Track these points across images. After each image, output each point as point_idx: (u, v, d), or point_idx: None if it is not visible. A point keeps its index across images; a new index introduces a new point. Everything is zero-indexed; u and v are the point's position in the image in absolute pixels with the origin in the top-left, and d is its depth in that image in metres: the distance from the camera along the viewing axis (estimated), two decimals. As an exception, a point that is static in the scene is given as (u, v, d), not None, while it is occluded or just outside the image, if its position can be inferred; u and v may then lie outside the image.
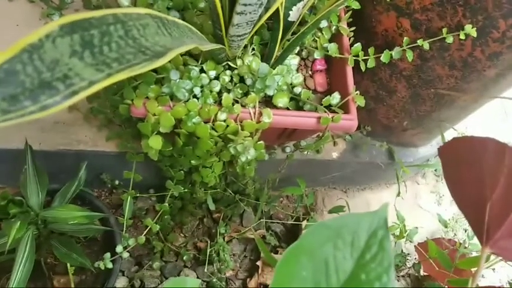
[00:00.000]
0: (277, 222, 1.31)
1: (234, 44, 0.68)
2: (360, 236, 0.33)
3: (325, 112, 0.76)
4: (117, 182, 1.15)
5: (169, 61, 0.70)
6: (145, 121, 0.71)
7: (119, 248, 0.89)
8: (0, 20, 1.00)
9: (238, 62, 0.76)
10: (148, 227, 0.98)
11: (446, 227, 1.27)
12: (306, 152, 1.09)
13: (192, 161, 0.84)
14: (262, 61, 0.75)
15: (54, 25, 0.32)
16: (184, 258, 1.18)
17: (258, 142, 0.77)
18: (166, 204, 0.96)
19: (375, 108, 1.02)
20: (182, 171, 0.92)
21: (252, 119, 0.73)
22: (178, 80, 0.63)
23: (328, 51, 0.82)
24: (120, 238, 0.92)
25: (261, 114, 0.73)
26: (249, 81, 0.72)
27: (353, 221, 0.34)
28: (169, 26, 0.48)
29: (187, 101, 0.69)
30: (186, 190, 1.00)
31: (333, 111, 0.77)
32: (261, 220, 1.31)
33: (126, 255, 0.91)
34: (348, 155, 1.10)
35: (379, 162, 1.13)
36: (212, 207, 1.02)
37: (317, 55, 0.83)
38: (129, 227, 1.21)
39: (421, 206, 1.40)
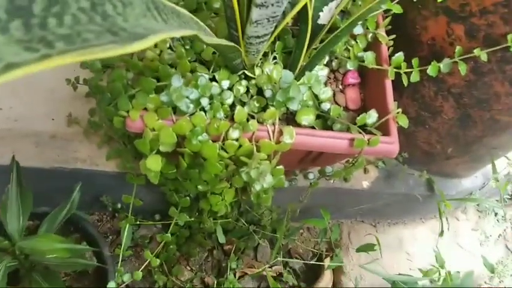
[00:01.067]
0: (297, 258, 1.16)
1: (252, 48, 0.57)
2: None
3: (360, 133, 0.63)
4: (119, 205, 1.03)
5: (173, 66, 0.59)
6: (143, 137, 0.59)
7: (111, 284, 0.76)
8: None
9: (257, 70, 0.65)
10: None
11: (493, 272, 1.09)
12: (332, 180, 0.95)
13: (199, 187, 0.71)
14: (284, 71, 0.63)
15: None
16: (190, 295, 1.04)
17: (277, 167, 0.64)
18: (169, 234, 0.83)
19: (415, 131, 0.87)
20: (188, 198, 0.80)
21: (270, 139, 0.60)
22: (181, 87, 0.51)
23: (363, 61, 0.69)
24: (114, 274, 0.79)
25: (281, 133, 0.60)
26: (268, 94, 0.60)
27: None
28: (166, 12, 0.37)
29: (192, 114, 0.58)
30: (192, 219, 0.87)
31: (369, 133, 0.64)
32: (278, 255, 1.17)
33: (119, 293, 0.78)
34: (381, 184, 0.96)
35: (416, 194, 0.98)
36: (222, 239, 0.89)
37: (350, 66, 0.71)
38: (130, 256, 1.09)
39: (461, 246, 1.22)
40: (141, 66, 0.59)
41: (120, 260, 0.82)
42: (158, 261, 0.83)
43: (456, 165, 0.95)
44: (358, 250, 0.99)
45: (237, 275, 1.09)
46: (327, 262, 1.09)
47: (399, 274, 1.05)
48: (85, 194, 1.00)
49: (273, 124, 0.60)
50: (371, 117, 0.65)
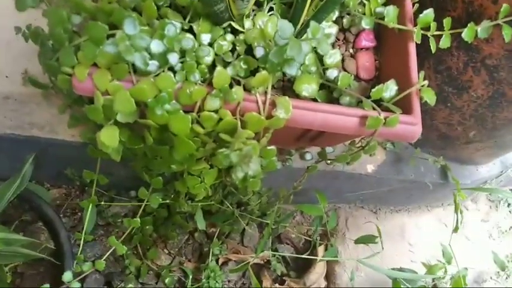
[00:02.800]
0: (287, 244, 1.05)
1: (240, -10, 0.42)
2: None
3: (374, 109, 0.49)
4: (87, 181, 0.90)
5: (132, 8, 0.44)
6: (94, 103, 0.45)
7: (66, 276, 0.64)
8: None
9: (247, 23, 0.50)
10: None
11: (503, 270, 0.99)
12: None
13: (172, 166, 0.58)
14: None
15: None
16: (166, 281, 0.93)
17: (268, 147, 0.51)
18: (138, 219, 0.71)
19: (433, 110, 0.74)
20: (161, 178, 0.67)
21: (259, 112, 0.47)
22: (135, 35, 0.36)
23: (382, 18, 0.55)
24: (71, 262, 0.67)
25: (274, 105, 0.47)
26: (259, 52, 0.46)
27: None
28: None
29: (158, 75, 0.44)
30: (167, 201, 0.75)
31: (386, 109, 0.51)
32: (267, 243, 1.06)
33: (77, 285, 0.66)
34: (388, 169, 0.83)
35: (427, 182, 0.86)
36: (202, 225, 0.77)
37: (365, 24, 0.56)
38: (100, 236, 0.97)
39: (468, 238, 1.12)
40: (92, 8, 0.44)
41: (81, 246, 0.70)
42: (125, 248, 0.71)
43: (476, 150, 0.82)
44: (357, 242, 0.87)
45: (220, 261, 0.98)
46: (320, 251, 0.98)
47: (400, 268, 0.94)
48: (48, 165, 0.87)
49: (264, 93, 0.47)
50: (389, 89, 0.52)
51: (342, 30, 0.60)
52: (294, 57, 0.40)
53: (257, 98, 0.46)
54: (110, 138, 0.47)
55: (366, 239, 0.85)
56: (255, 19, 0.51)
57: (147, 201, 0.72)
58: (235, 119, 0.46)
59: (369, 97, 0.51)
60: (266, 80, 0.45)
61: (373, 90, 0.50)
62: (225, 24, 0.50)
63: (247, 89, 0.47)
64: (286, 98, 0.46)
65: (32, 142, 0.75)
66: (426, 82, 0.51)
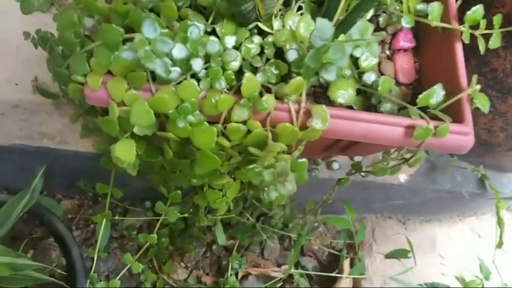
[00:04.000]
0: (310, 257, 1.00)
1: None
2: None
3: (422, 118, 0.44)
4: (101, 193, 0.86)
5: (149, 9, 0.40)
6: (109, 114, 0.41)
7: (79, 298, 0.60)
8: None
9: (276, 23, 0.45)
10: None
11: (487, 279, 0.92)
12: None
13: (193, 180, 0.53)
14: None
15: None
16: (184, 297, 0.89)
17: (300, 160, 0.46)
18: (155, 235, 0.66)
19: (474, 115, 0.68)
20: (179, 191, 0.62)
21: (292, 122, 0.41)
22: (156, 39, 0.32)
23: (426, 15, 0.49)
24: (84, 282, 0.63)
25: (309, 114, 0.41)
26: (292, 56, 0.40)
27: None
28: None
29: (179, 82, 0.39)
30: (186, 215, 0.70)
31: (433, 117, 0.45)
32: (288, 252, 1.01)
33: (90, 307, 0.61)
34: (422, 179, 0.77)
35: (463, 192, 0.79)
36: (222, 241, 0.72)
37: (405, 23, 0.51)
38: (114, 249, 0.93)
39: (504, 250, 1.04)
40: (105, 9, 0.39)
41: (94, 263, 0.66)
42: (141, 266, 0.66)
43: (518, 158, 0.76)
44: (388, 256, 0.81)
45: (240, 275, 0.93)
46: (346, 266, 0.93)
47: (433, 283, 0.88)
48: (59, 176, 0.83)
49: (298, 102, 0.41)
50: (436, 95, 0.46)
51: (377, 29, 0.55)
52: (335, 61, 0.35)
53: (290, 106, 0.41)
54: (126, 153, 0.42)
55: (398, 254, 0.79)
56: (284, 19, 0.45)
57: (164, 216, 0.67)
58: (266, 130, 0.41)
59: (413, 104, 0.46)
60: (301, 86, 0.40)
61: (420, 96, 0.44)
62: (251, 26, 0.45)
63: (278, 97, 0.42)
64: (323, 106, 0.41)
65: (42, 153, 0.71)
66: (478, 87, 0.46)
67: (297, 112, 0.41)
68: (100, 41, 0.37)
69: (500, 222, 0.71)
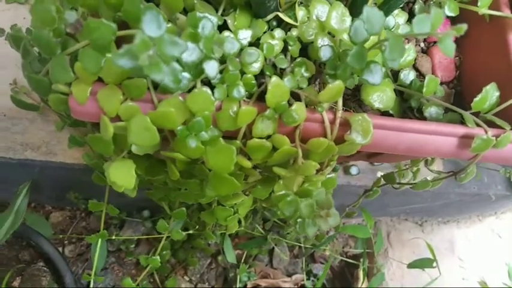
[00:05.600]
0: (321, 263, 0.93)
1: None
2: None
3: (478, 126, 0.36)
4: (94, 200, 0.78)
5: (155, 3, 0.32)
6: (100, 131, 0.33)
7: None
8: None
9: (300, 12, 0.37)
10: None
11: None
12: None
13: (201, 200, 0.46)
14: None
15: None
16: (188, 313, 0.82)
17: (329, 176, 0.39)
18: (158, 257, 0.59)
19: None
20: (184, 209, 0.55)
21: (326, 135, 0.34)
22: (162, 37, 0.24)
23: (469, 2, 0.42)
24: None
25: (347, 124, 0.34)
26: (326, 54, 0.33)
27: None
28: None
29: (189, 90, 0.31)
30: (190, 231, 0.62)
31: (489, 124, 0.38)
32: (298, 259, 0.94)
33: None
34: (447, 182, 0.69)
35: (491, 194, 0.73)
36: (231, 258, 0.65)
37: (449, 11, 0.43)
38: (111, 264, 0.86)
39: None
40: (92, 0, 0.31)
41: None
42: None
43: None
44: (411, 266, 0.75)
45: (248, 286, 0.86)
46: (361, 273, 0.86)
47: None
48: (47, 187, 0.75)
49: (334, 110, 0.34)
50: (491, 96, 0.39)
51: (411, 19, 0.47)
52: (396, 59, 0.27)
53: (324, 117, 0.33)
54: (123, 176, 0.35)
55: (421, 264, 0.73)
56: (310, 7, 0.38)
57: (168, 234, 0.59)
58: (295, 147, 0.33)
59: (460, 106, 0.39)
60: (340, 92, 0.32)
61: (475, 99, 0.37)
62: (269, 17, 0.38)
63: (307, 105, 0.34)
64: (365, 115, 0.33)
65: (26, 165, 0.63)
66: (542, 85, 0.39)
67: (332, 123, 0.34)
68: (86, 40, 0.29)
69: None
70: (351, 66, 0.31)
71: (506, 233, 0.96)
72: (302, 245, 0.76)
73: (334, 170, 0.67)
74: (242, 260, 0.84)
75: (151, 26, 0.23)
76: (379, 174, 0.68)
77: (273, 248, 0.88)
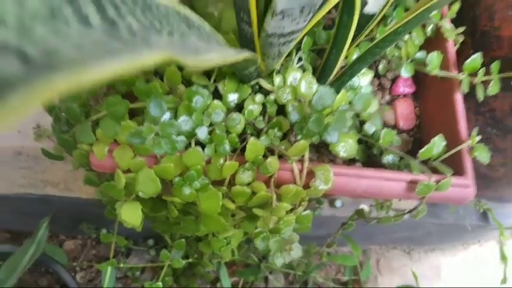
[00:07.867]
0: (315, 290, 0.99)
1: (272, 51, 0.38)
2: None
3: (423, 173, 0.44)
4: (104, 231, 0.86)
5: (159, 75, 0.41)
6: (115, 180, 0.41)
7: None
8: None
9: (277, 79, 0.46)
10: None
11: None
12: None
13: (197, 233, 0.53)
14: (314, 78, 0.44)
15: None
16: (189, 337, 0.88)
17: (303, 213, 0.46)
18: (160, 283, 0.66)
19: (452, 157, 0.68)
20: (183, 240, 0.62)
21: (295, 182, 0.42)
22: (167, 120, 0.32)
23: (425, 64, 0.50)
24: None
25: (312, 173, 0.42)
26: (294, 118, 0.41)
27: None
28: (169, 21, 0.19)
29: (186, 148, 0.39)
30: (190, 260, 0.70)
31: (433, 169, 0.45)
32: (293, 286, 1.00)
33: None
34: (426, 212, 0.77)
35: (466, 225, 0.79)
36: (227, 284, 0.71)
37: (405, 73, 0.51)
38: (118, 290, 0.92)
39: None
40: (110, 77, 0.40)
41: (100, 312, 0.65)
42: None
43: (520, 190, 0.76)
44: (395, 292, 0.81)
45: (245, 311, 0.92)
46: (352, 299, 0.92)
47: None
48: (62, 219, 0.83)
49: (301, 161, 0.42)
50: (436, 146, 0.46)
51: (377, 76, 0.56)
52: (338, 129, 0.35)
53: (293, 167, 0.41)
54: (131, 215, 0.43)
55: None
56: (284, 74, 0.46)
57: (169, 262, 0.67)
58: (269, 192, 0.41)
59: (414, 153, 0.46)
60: (304, 148, 0.40)
61: (421, 150, 0.45)
62: (253, 82, 0.46)
63: (281, 156, 0.42)
64: (327, 166, 0.41)
65: (45, 200, 0.71)
66: (479, 138, 0.46)
67: (301, 171, 0.42)
68: (105, 111, 0.38)
69: (503, 259, 0.70)
70: (315, 131, 0.40)
71: (491, 260, 1.01)
72: (294, 272, 0.82)
73: (319, 203, 0.74)
74: (240, 286, 0.90)
75: (155, 110, 0.31)
76: (362, 206, 0.75)
77: (269, 273, 0.94)
